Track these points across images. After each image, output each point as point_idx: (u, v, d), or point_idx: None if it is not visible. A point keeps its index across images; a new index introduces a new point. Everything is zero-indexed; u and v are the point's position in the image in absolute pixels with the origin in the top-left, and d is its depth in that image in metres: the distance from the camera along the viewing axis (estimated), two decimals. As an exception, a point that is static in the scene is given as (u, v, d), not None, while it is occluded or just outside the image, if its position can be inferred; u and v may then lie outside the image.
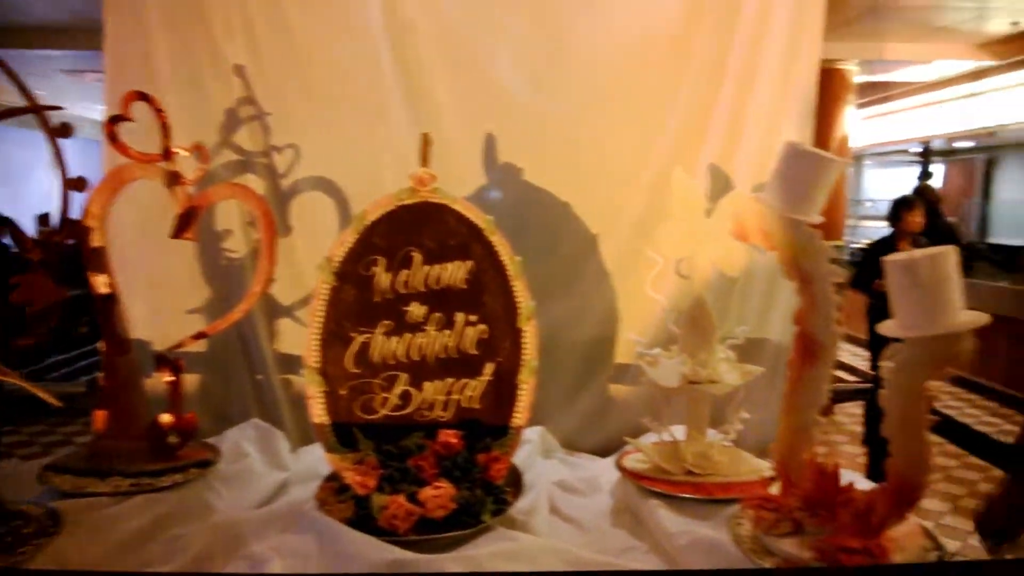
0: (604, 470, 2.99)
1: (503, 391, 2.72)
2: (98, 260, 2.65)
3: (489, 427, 2.69)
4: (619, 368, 3.47)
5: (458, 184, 3.05)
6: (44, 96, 2.48)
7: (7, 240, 2.48)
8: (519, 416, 2.71)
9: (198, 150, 2.83)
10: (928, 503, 4.44)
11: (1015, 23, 6.51)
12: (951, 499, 4.54)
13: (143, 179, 2.73)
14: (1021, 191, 10.02)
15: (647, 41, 3.38)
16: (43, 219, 2.48)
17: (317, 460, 2.83)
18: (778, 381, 2.58)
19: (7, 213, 2.65)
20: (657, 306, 3.06)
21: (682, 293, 2.79)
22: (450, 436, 2.60)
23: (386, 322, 2.69)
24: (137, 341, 2.93)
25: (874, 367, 4.43)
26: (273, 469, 3.00)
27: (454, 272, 2.72)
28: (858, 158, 12.39)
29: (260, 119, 3.35)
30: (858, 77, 7.15)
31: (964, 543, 3.97)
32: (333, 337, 2.68)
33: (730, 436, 2.76)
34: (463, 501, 2.39)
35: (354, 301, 2.69)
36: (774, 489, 2.37)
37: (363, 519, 2.34)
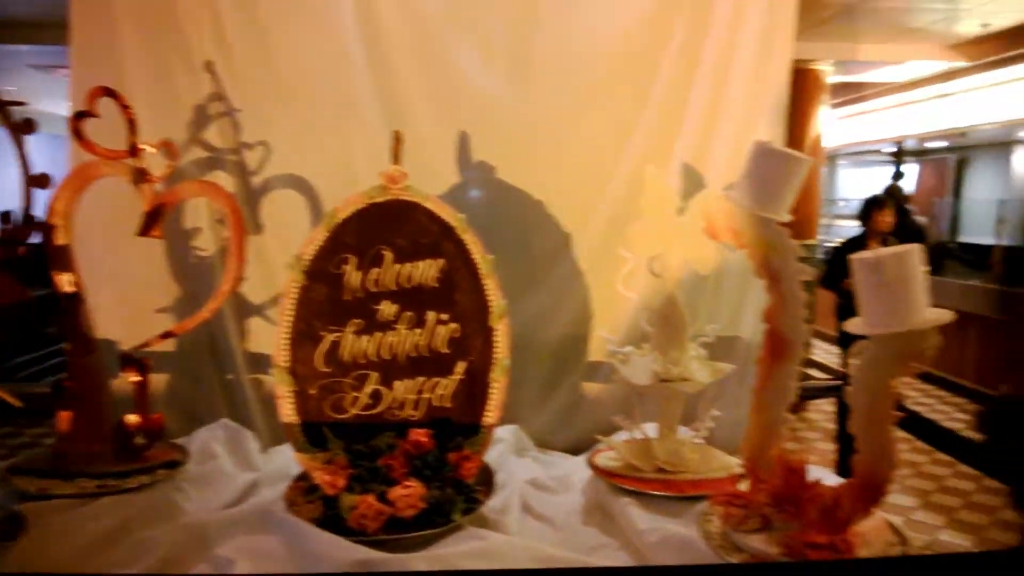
0: (576, 468, 3.00)
1: (475, 390, 2.71)
2: (62, 258, 2.60)
3: (460, 426, 2.69)
4: (591, 366, 3.48)
5: (431, 182, 3.04)
6: (13, 92, 2.44)
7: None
8: (491, 415, 2.71)
9: (166, 147, 2.79)
10: (898, 498, 4.50)
11: (985, 25, 6.63)
12: (921, 495, 4.61)
13: (109, 176, 2.69)
14: (991, 190, 10.17)
15: (620, 40, 3.38)
16: (4, 217, 2.44)
17: (288, 460, 2.82)
18: (749, 379, 2.59)
19: (-32, 211, 2.60)
20: (629, 304, 3.09)
21: (654, 291, 2.79)
22: (421, 435, 2.59)
23: (357, 321, 2.67)
24: (104, 341, 2.88)
25: (844, 364, 4.47)
26: (243, 470, 2.97)
27: (425, 270, 2.71)
28: (832, 158, 12.50)
29: (230, 115, 3.31)
30: (832, 77, 7.24)
31: (933, 538, 4.04)
32: (303, 336, 2.66)
33: (701, 433, 2.78)
34: (433, 500, 2.38)
35: (324, 300, 2.67)
36: (743, 486, 2.38)
37: (332, 519, 2.33)
